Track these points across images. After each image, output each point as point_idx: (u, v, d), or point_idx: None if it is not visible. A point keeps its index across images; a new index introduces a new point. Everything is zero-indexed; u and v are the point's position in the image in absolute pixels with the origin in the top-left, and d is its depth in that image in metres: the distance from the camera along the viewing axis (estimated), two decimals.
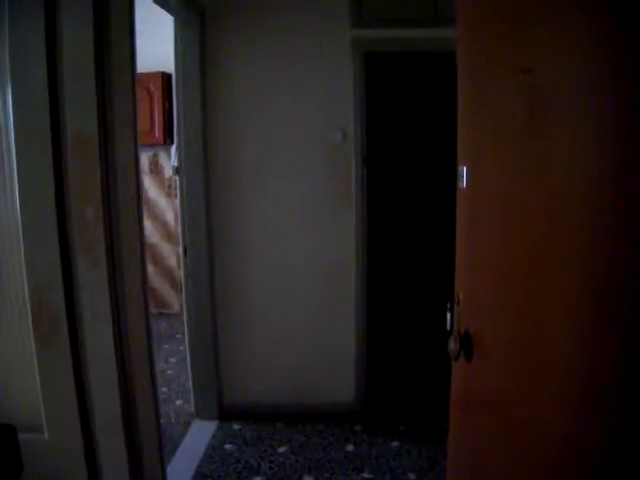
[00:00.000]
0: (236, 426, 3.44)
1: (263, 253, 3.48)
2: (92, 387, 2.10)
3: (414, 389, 3.75)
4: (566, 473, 1.19)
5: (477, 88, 1.54)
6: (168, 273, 5.82)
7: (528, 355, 1.32)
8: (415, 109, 3.48)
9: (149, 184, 5.73)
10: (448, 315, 1.82)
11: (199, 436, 3.34)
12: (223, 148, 3.36)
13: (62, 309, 1.98)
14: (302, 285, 3.51)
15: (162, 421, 3.48)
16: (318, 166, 3.36)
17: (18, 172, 1.90)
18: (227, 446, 3.21)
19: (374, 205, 3.44)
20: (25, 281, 1.97)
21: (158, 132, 5.31)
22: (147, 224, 5.71)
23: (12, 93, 1.87)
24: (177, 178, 3.40)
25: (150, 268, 5.78)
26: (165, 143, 5.36)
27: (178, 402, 3.82)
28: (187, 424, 3.50)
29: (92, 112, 1.89)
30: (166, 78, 5.10)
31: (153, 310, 5.82)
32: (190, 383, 3.58)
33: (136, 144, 2.16)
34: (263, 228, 3.45)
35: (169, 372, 4.34)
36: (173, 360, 4.57)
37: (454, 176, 1.72)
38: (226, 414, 3.56)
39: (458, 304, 1.73)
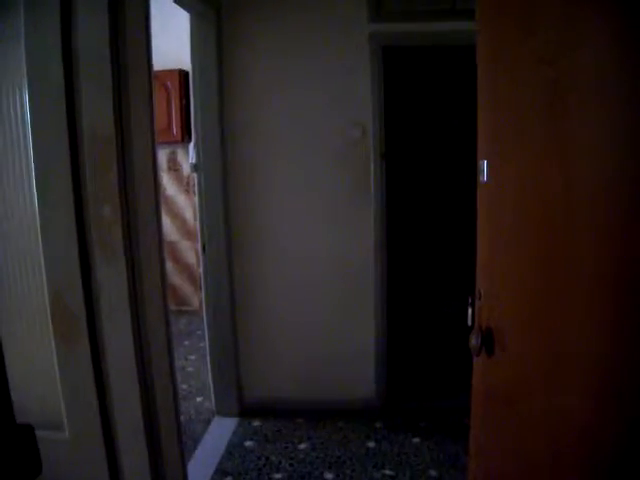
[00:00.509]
0: (256, 423, 3.44)
1: (282, 250, 3.47)
2: (112, 385, 2.10)
3: (435, 385, 3.72)
4: (584, 464, 1.18)
5: (497, 82, 1.51)
6: (187, 270, 5.84)
7: (550, 349, 1.30)
8: (434, 103, 3.45)
9: (167, 182, 5.75)
10: (469, 310, 1.80)
11: (219, 433, 3.34)
12: (241, 145, 3.35)
13: (82, 308, 1.98)
14: (321, 282, 3.49)
15: (182, 418, 3.50)
16: (336, 162, 3.33)
17: (35, 171, 1.90)
18: (247, 443, 3.21)
19: (393, 201, 3.41)
20: (44, 280, 1.98)
21: (176, 130, 5.32)
22: (166, 222, 5.74)
23: (29, 92, 1.87)
24: (195, 175, 3.39)
25: (169, 265, 5.81)
26: (183, 141, 5.38)
27: (198, 399, 3.83)
28: (207, 421, 3.50)
29: (108, 110, 1.88)
30: (183, 75, 5.11)
31: (173, 307, 5.84)
32: (210, 380, 3.58)
33: (153, 142, 2.16)
34: (281, 225, 3.44)
35: (189, 369, 4.36)
36: (193, 357, 4.58)
37: (474, 170, 1.70)
38: (246, 411, 3.56)
39: (479, 299, 1.71)
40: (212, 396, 3.60)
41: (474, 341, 1.63)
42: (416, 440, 3.19)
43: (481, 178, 1.66)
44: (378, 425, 3.38)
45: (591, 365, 1.15)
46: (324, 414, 3.48)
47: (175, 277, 5.87)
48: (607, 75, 1.08)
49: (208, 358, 3.57)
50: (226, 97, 3.29)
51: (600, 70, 1.09)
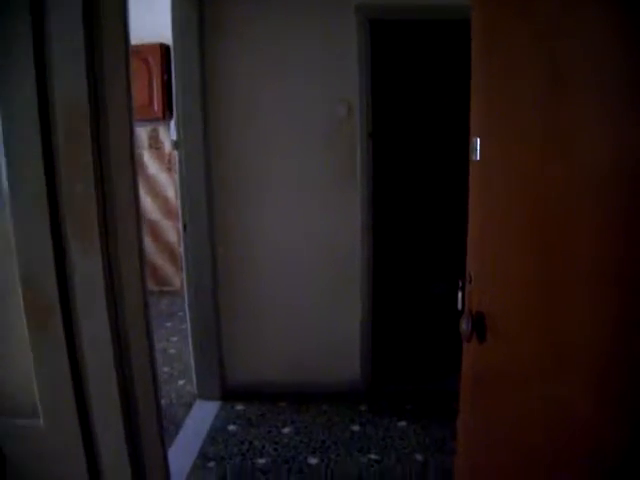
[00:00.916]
0: (239, 407, 3.38)
1: (266, 231, 3.38)
2: (88, 372, 2.02)
3: (421, 368, 3.68)
4: (581, 456, 1.13)
5: (493, 57, 1.43)
6: (169, 250, 5.74)
7: (545, 336, 1.25)
8: (423, 80, 3.35)
9: (149, 160, 5.62)
10: (459, 294, 1.74)
11: (202, 417, 3.28)
12: (223, 122, 3.25)
13: (55, 293, 1.89)
14: (307, 264, 3.41)
15: (163, 402, 3.44)
16: (322, 141, 3.24)
17: (4, 146, 1.79)
18: (230, 427, 3.15)
19: (381, 181, 3.33)
20: (16, 266, 1.88)
21: (157, 106, 5.17)
22: (147, 200, 5.63)
23: None
24: (176, 153, 3.28)
25: (151, 245, 5.71)
26: (165, 118, 5.23)
27: (180, 382, 3.75)
28: (189, 405, 3.44)
29: (82, 81, 1.77)
30: (165, 49, 4.95)
31: (154, 288, 5.76)
32: (192, 363, 3.51)
33: (131, 116, 2.04)
34: (265, 206, 3.35)
35: (171, 351, 4.28)
36: (175, 339, 4.50)
37: (465, 149, 1.63)
38: (229, 394, 3.49)
39: (470, 283, 1.65)
40: (194, 379, 3.53)
41: (464, 326, 1.58)
42: (402, 424, 3.14)
43: (473, 156, 1.59)
44: (363, 408, 3.34)
45: (591, 356, 1.10)
46: (308, 398, 3.43)
47: (156, 257, 5.77)
48: (609, 48, 1.01)
49: (190, 340, 3.49)
50: (208, 73, 3.18)
51: (602, 43, 1.02)
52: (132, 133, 2.04)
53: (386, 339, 3.65)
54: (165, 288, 5.77)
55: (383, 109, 3.31)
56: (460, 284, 1.73)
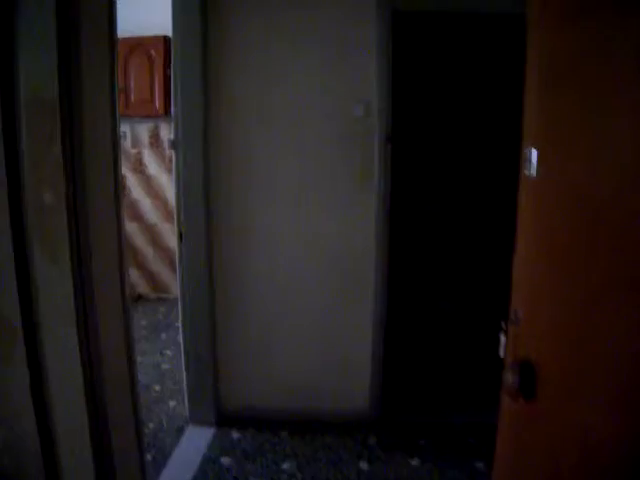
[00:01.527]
0: (235, 435, 3.06)
1: (271, 240, 3.07)
2: (55, 404, 1.72)
3: (435, 397, 3.36)
4: None
5: (560, 49, 1.12)
6: (168, 255, 5.42)
7: (625, 397, 0.94)
8: (452, 81, 3.01)
9: (149, 159, 5.33)
10: (502, 337, 1.44)
11: (193, 446, 2.96)
12: (227, 121, 2.94)
13: (17, 314, 1.59)
14: (313, 276, 3.10)
15: (152, 425, 3.14)
16: (336, 144, 2.92)
17: None
18: (224, 459, 2.83)
19: (399, 189, 3.02)
20: None
21: (159, 102, 4.88)
22: (146, 202, 5.36)
23: None
24: (173, 153, 2.98)
25: (149, 250, 5.42)
26: (167, 114, 4.91)
27: (171, 403, 3.44)
28: (180, 430, 3.12)
29: (52, 67, 1.47)
30: (169, 43, 4.64)
31: (151, 294, 5.47)
32: (184, 384, 3.20)
33: (114, 112, 1.75)
34: (270, 214, 3.04)
35: (164, 367, 3.97)
36: (169, 352, 4.19)
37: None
38: (224, 420, 3.18)
39: (516, 324, 1.34)
40: (186, 401, 3.22)
41: (510, 379, 1.27)
42: (415, 462, 2.82)
43: (526, 171, 1.29)
44: (372, 441, 3.01)
45: None
46: (312, 426, 3.12)
47: (154, 263, 5.47)
48: None
49: (182, 360, 3.18)
50: (211, 68, 2.88)
51: None
52: (115, 135, 1.74)
53: (397, 361, 3.33)
54: (163, 295, 5.48)
55: (404, 111, 2.98)
56: (503, 326, 1.43)
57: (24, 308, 1.60)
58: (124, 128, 5.21)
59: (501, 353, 1.43)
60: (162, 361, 4.04)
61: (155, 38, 4.66)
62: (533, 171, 1.25)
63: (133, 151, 5.31)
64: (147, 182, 5.36)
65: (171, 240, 5.41)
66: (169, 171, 5.30)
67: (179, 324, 3.18)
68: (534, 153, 1.24)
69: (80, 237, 1.60)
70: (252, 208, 3.04)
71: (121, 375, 1.95)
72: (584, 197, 1.04)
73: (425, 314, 3.38)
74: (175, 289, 5.39)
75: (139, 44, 4.69)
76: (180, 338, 3.17)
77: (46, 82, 1.48)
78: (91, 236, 1.64)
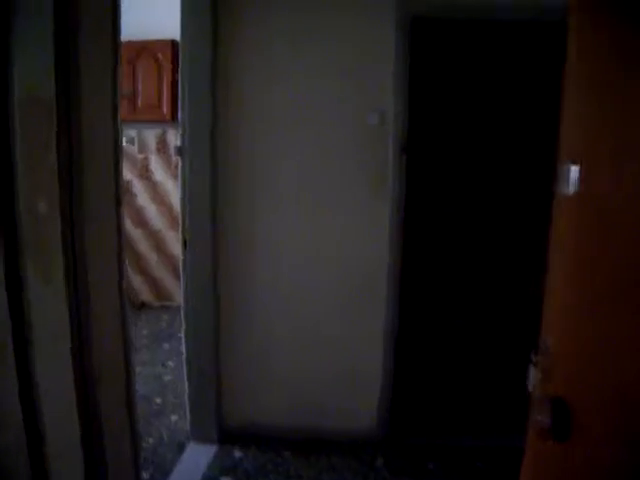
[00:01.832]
0: (237, 453, 2.94)
1: (278, 250, 2.96)
2: (46, 421, 1.61)
3: (444, 417, 3.23)
4: None
5: (611, 50, 1.00)
6: (172, 262, 5.31)
7: None
8: (472, 89, 2.89)
9: (155, 165, 5.24)
10: (531, 370, 1.32)
11: (193, 464, 2.84)
12: (235, 128, 2.84)
13: (7, 334, 1.48)
14: (322, 290, 2.98)
15: (151, 440, 3.03)
16: (349, 151, 2.81)
17: None
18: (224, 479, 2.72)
19: (412, 196, 2.89)
20: None
21: (166, 107, 4.80)
22: (152, 209, 5.27)
23: None
24: (179, 160, 2.87)
25: (153, 257, 5.33)
26: (174, 119, 4.82)
27: (173, 417, 3.32)
28: (181, 446, 3.00)
29: (48, 65, 1.37)
30: (177, 47, 4.57)
31: (155, 302, 5.37)
32: (186, 398, 3.08)
33: (116, 116, 1.65)
34: (278, 218, 2.93)
35: (166, 378, 3.85)
36: (172, 364, 4.07)
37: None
38: (226, 436, 3.06)
39: (546, 355, 1.23)
40: (187, 416, 3.10)
41: (541, 418, 1.15)
42: None
43: (564, 187, 1.17)
44: (379, 463, 2.88)
45: None
46: (317, 446, 2.99)
47: (158, 270, 5.37)
48: None
49: (185, 373, 3.06)
50: (220, 71, 2.78)
51: None
52: (117, 138, 1.64)
53: (407, 377, 3.20)
54: (166, 303, 5.37)
55: (421, 121, 2.86)
56: (532, 356, 1.31)
57: (15, 324, 1.49)
58: (132, 133, 5.13)
59: (529, 387, 1.31)
60: (164, 372, 3.93)
61: (163, 42, 4.58)
62: (572, 189, 1.13)
63: (140, 157, 5.23)
64: (153, 188, 5.27)
65: (176, 247, 5.30)
66: (175, 177, 5.21)
67: (182, 334, 3.07)
68: (574, 169, 1.12)
69: (76, 250, 1.50)
70: (259, 216, 2.93)
71: (118, 389, 1.85)
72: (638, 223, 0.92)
73: (437, 330, 3.25)
74: (179, 297, 5.29)
75: (146, 48, 4.61)
76: (183, 349, 3.06)
77: (42, 81, 1.39)
78: (88, 248, 1.53)
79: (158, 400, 3.51)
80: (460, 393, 3.22)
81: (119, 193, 1.70)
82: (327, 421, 3.07)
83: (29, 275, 1.45)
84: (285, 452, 2.95)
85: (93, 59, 1.56)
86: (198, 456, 2.91)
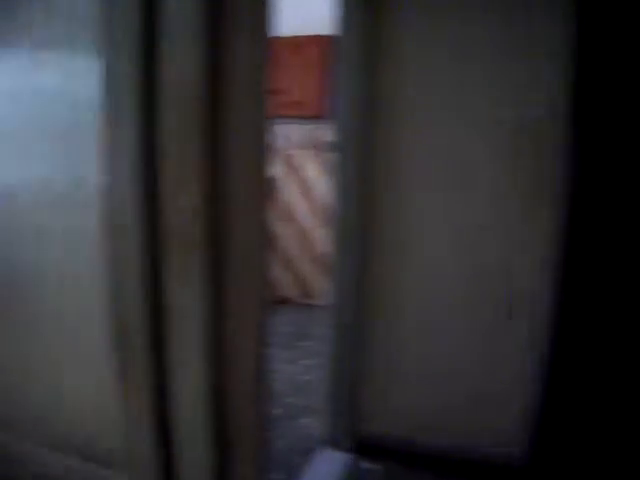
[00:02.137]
0: (373, 466, 2.76)
1: (425, 259, 2.78)
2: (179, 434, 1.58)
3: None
4: None
5: None
6: (319, 260, 5.30)
7: None
8: None
9: (305, 161, 5.25)
10: None
11: (325, 473, 2.73)
12: (390, 125, 2.70)
13: (145, 336, 1.46)
14: (473, 302, 2.76)
15: (279, 443, 2.94)
16: (503, 153, 2.58)
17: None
18: None
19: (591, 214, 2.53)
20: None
21: (319, 103, 4.77)
22: (301, 205, 5.29)
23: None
24: (333, 156, 2.81)
25: (300, 253, 5.36)
26: (324, 116, 4.82)
27: (304, 420, 3.23)
28: (310, 452, 2.89)
29: (199, 63, 1.31)
30: (328, 42, 4.53)
31: (298, 299, 5.41)
32: (321, 401, 3.00)
33: (262, 111, 1.56)
34: (425, 226, 2.77)
35: (299, 378, 3.78)
36: (309, 362, 3.98)
37: None
38: (362, 447, 2.91)
39: None
40: (321, 420, 3.01)
41: None
42: None
43: None
44: None
45: None
46: (461, 469, 2.76)
47: (304, 266, 5.39)
48: None
49: (323, 373, 2.99)
50: (379, 66, 2.66)
51: None
52: (264, 136, 1.55)
53: (565, 412, 2.84)
54: (310, 301, 5.38)
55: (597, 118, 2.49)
56: None
57: (154, 324, 1.47)
58: (281, 129, 5.18)
59: None
60: (299, 372, 3.88)
61: (312, 38, 4.56)
62: None
63: (288, 153, 5.27)
64: (303, 185, 5.29)
65: (323, 244, 5.31)
66: (327, 175, 5.21)
67: (324, 333, 2.97)
68: None
69: (219, 254, 1.44)
70: (408, 219, 2.77)
71: (249, 387, 1.77)
72: None
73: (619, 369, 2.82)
74: (322, 295, 5.28)
75: (295, 43, 4.61)
76: (322, 349, 2.97)
77: (191, 75, 1.32)
78: (232, 245, 1.46)
79: (289, 400, 3.44)
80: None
81: (265, 189, 1.63)
82: (473, 443, 2.83)
83: (169, 271, 1.42)
84: (425, 474, 2.74)
85: (243, 56, 1.49)
86: (329, 465, 2.80)
